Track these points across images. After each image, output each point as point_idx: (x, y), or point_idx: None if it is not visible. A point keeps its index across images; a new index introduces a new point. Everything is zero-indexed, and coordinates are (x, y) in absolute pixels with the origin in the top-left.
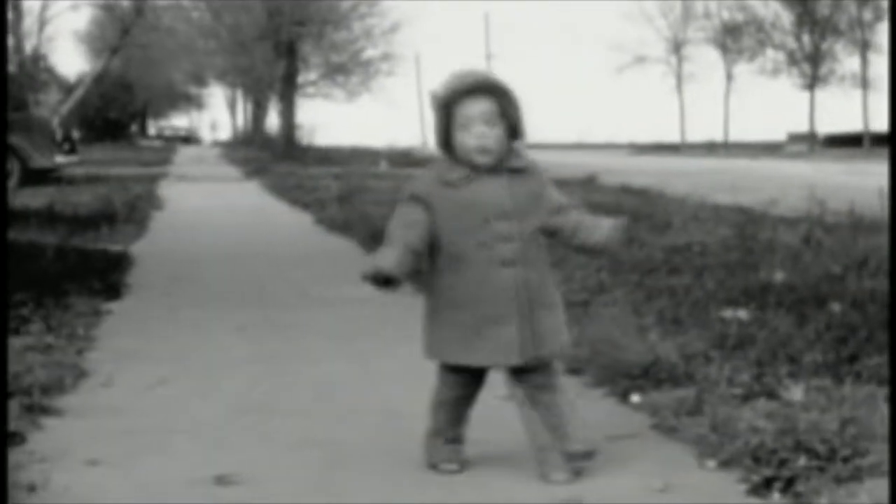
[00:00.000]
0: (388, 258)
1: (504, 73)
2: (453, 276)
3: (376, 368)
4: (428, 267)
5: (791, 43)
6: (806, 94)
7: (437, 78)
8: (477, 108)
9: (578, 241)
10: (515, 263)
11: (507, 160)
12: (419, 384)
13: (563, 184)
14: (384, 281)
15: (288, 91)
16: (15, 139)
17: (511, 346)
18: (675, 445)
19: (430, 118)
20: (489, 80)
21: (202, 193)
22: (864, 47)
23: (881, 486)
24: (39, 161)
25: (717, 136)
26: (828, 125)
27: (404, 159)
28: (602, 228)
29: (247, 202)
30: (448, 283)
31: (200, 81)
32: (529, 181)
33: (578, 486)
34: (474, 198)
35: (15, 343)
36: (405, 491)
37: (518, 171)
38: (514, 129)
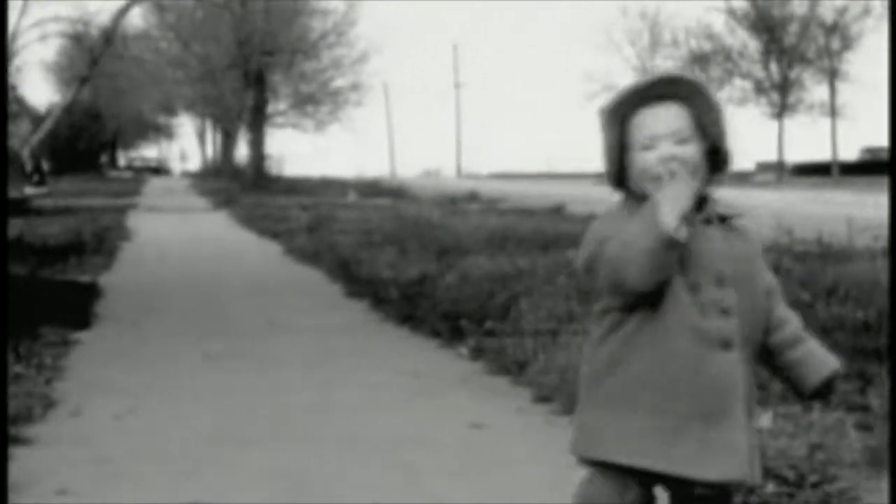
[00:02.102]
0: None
1: (472, 103)
2: (647, 352)
3: (342, 397)
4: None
5: (759, 72)
6: (774, 123)
7: (406, 107)
8: (662, 119)
9: (794, 375)
10: (734, 346)
11: (712, 205)
12: (383, 413)
13: (531, 213)
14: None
15: (257, 121)
16: None
17: (736, 457)
18: None
19: (400, 148)
20: (676, 75)
21: (171, 224)
22: (833, 76)
23: None
24: (9, 192)
25: None
26: (796, 154)
27: (373, 189)
28: (828, 365)
29: (216, 233)
30: (638, 358)
31: (169, 111)
32: (745, 239)
33: None
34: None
35: None
36: None
37: (728, 221)
38: (715, 151)
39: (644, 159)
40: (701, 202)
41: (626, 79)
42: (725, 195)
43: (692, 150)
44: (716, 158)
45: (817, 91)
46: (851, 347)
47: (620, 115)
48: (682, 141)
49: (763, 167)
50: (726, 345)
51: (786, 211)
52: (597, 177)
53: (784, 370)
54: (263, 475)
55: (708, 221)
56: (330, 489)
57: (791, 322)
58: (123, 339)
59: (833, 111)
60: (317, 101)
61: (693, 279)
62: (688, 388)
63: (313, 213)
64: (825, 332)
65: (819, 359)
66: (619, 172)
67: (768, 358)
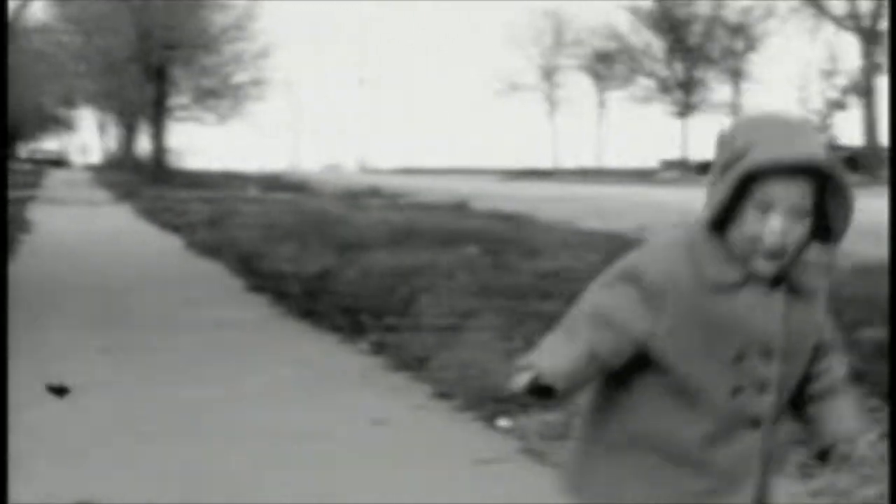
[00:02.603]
0: (558, 364)
1: (376, 98)
2: (672, 419)
3: (242, 392)
4: (612, 384)
5: (663, 71)
6: (678, 122)
7: (310, 103)
8: (786, 193)
9: (809, 431)
10: (764, 422)
11: (797, 270)
12: (284, 406)
13: (433, 209)
14: (540, 390)
15: (158, 115)
16: None
17: None
18: (543, 470)
19: (303, 142)
20: (816, 156)
21: (72, 217)
22: (736, 76)
23: None
24: None
25: (590, 163)
26: (700, 152)
27: (274, 184)
28: (843, 428)
29: (117, 225)
30: (662, 425)
31: (70, 104)
32: (812, 305)
33: None
34: (735, 316)
35: None
36: None
37: (803, 290)
38: (826, 230)
39: (751, 220)
40: (788, 270)
41: (532, 77)
42: (630, 193)
43: (801, 228)
44: (826, 235)
45: (721, 90)
46: None
47: (748, 171)
48: (795, 215)
49: (667, 165)
50: (755, 423)
51: (689, 208)
52: (501, 173)
53: (805, 423)
54: (159, 470)
55: (775, 285)
56: (226, 484)
57: (830, 373)
58: (21, 332)
59: (736, 110)
60: (218, 95)
61: (740, 349)
62: (714, 461)
63: (215, 206)
64: None
65: (838, 418)
66: (721, 219)
67: (798, 407)
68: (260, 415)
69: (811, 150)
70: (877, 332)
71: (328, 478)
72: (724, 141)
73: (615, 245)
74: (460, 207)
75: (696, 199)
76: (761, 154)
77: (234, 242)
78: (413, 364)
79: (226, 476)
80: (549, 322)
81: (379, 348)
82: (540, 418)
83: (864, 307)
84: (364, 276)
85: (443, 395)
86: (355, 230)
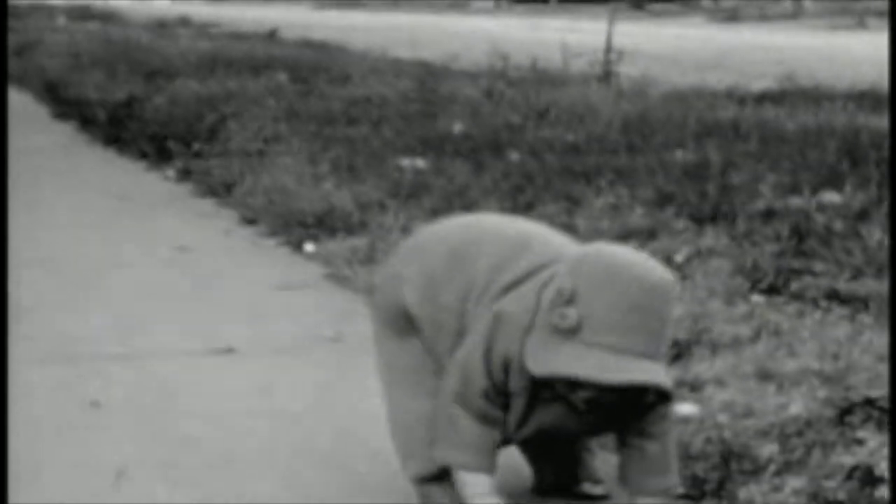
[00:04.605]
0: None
1: None
2: None
3: (45, 218)
4: None
5: None
6: None
7: None
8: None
9: None
10: None
11: None
12: (87, 235)
13: (244, 38)
14: None
15: None
16: None
17: None
18: (347, 294)
19: None
20: (652, 381)
21: None
22: None
23: None
24: None
25: None
26: None
27: (83, 13)
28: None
29: None
30: None
31: None
32: None
33: (246, 334)
34: None
35: None
36: None
37: None
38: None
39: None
40: None
41: None
42: (443, 22)
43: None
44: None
45: None
46: (560, 168)
47: None
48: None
49: None
50: None
51: (502, 37)
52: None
53: None
54: None
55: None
56: (26, 312)
57: None
58: None
59: None
60: None
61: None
62: None
63: (21, 36)
64: (533, 154)
65: None
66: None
67: None
68: (62, 242)
69: (653, 374)
70: (686, 155)
71: (130, 304)
72: (558, 298)
73: (424, 72)
74: (271, 36)
75: (510, 28)
76: (591, 368)
77: (40, 71)
78: (219, 190)
79: (23, 302)
80: (354, 146)
81: (185, 175)
82: (346, 243)
83: (675, 131)
84: (171, 104)
85: (249, 221)
86: (164, 58)
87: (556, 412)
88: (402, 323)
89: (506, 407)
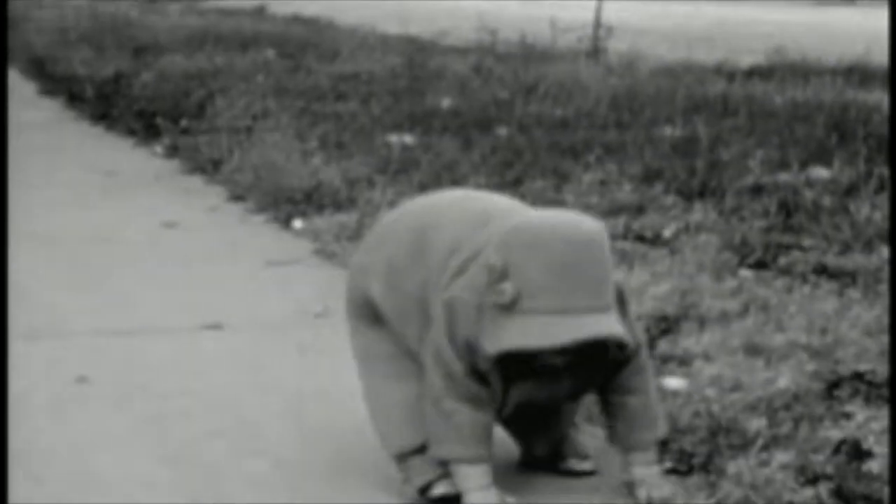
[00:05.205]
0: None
1: None
2: None
3: (33, 195)
4: None
5: None
6: None
7: None
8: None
9: None
10: None
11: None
12: (74, 211)
13: (232, 13)
14: None
15: None
16: None
17: None
18: (335, 270)
19: None
20: (602, 334)
21: None
22: None
23: None
24: None
25: None
26: None
27: None
28: None
29: None
30: None
31: None
32: None
33: (235, 310)
34: None
35: None
36: None
37: None
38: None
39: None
40: None
41: None
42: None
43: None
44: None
45: None
46: (548, 144)
47: None
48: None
49: None
50: None
51: (492, 13)
52: None
53: None
54: None
55: None
56: (15, 286)
57: None
58: None
59: None
60: None
61: None
62: None
63: (8, 12)
64: (522, 129)
65: None
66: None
67: None
68: (49, 217)
69: (601, 326)
70: (674, 131)
71: (118, 280)
72: (491, 275)
73: (413, 48)
74: (259, 11)
75: (499, 4)
76: (537, 336)
77: (27, 47)
78: (207, 166)
79: (13, 278)
80: (342, 122)
81: (173, 151)
82: (334, 219)
83: (663, 106)
84: (160, 80)
85: (237, 198)
86: (152, 34)
87: (529, 385)
88: (372, 313)
89: (487, 383)
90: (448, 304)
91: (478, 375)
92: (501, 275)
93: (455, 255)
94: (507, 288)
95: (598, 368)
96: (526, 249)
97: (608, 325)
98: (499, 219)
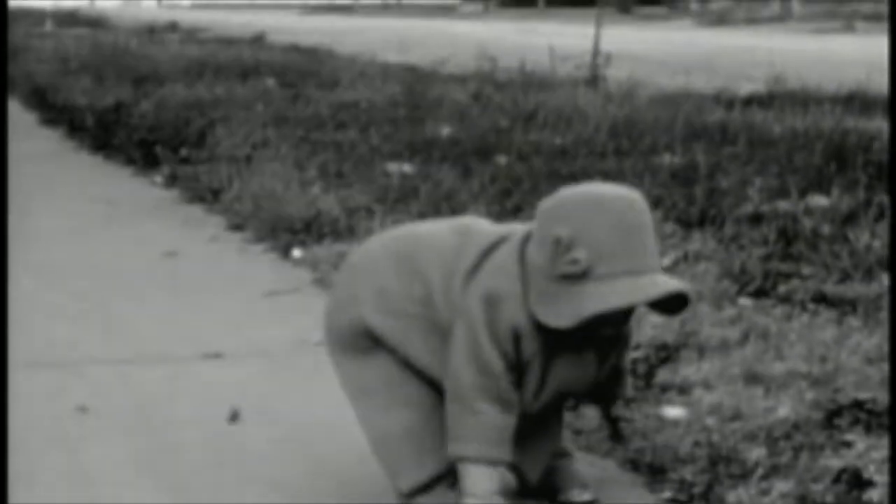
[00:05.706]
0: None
1: None
2: None
3: (33, 225)
4: None
5: None
6: None
7: None
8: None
9: None
10: None
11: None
12: (75, 241)
13: (232, 43)
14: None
15: None
16: None
17: None
18: None
19: None
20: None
21: None
22: None
23: None
24: None
25: None
26: None
27: (71, 19)
28: None
29: None
30: None
31: None
32: None
33: (235, 339)
34: None
35: None
36: None
37: None
38: None
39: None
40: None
41: None
42: (431, 26)
43: None
44: None
45: None
46: (547, 172)
47: None
48: None
49: None
50: None
51: (491, 41)
52: (301, 7)
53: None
54: None
55: None
56: (15, 315)
57: None
58: None
59: None
60: None
61: None
62: None
63: (8, 41)
64: (521, 157)
65: None
66: None
67: None
68: (50, 247)
69: (672, 283)
70: (673, 158)
71: (118, 309)
72: (557, 248)
73: (414, 77)
74: (258, 41)
75: (499, 32)
76: (624, 296)
77: (27, 77)
78: (207, 196)
79: (15, 309)
80: (342, 151)
81: (173, 181)
82: (333, 248)
83: (662, 134)
84: (159, 109)
85: (237, 227)
86: (152, 64)
87: (571, 365)
88: (364, 342)
89: (519, 384)
90: (487, 299)
91: (515, 372)
92: (569, 244)
93: (454, 263)
94: (581, 255)
95: (614, 344)
96: (590, 217)
97: (675, 283)
98: (474, 228)
